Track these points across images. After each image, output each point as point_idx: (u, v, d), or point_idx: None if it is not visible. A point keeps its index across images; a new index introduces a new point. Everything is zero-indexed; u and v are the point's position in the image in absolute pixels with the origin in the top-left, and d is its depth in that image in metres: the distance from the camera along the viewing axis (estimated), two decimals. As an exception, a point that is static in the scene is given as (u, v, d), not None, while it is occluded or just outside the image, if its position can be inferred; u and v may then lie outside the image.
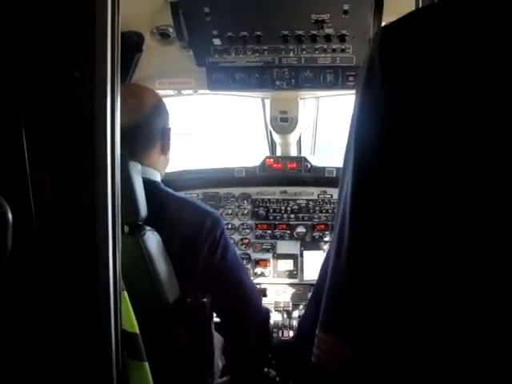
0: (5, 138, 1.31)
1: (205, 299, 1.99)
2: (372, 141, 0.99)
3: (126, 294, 1.53)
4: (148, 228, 1.92)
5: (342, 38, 2.47)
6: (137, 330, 1.55)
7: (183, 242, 2.05)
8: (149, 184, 2.04)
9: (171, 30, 2.53)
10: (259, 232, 3.61)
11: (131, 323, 1.54)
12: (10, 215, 1.22)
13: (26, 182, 1.32)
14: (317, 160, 3.69)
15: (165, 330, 1.97)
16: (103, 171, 1.37)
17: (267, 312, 2.54)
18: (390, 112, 0.96)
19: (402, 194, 0.96)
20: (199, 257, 2.06)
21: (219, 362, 2.56)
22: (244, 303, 2.23)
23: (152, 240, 1.92)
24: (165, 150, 2.20)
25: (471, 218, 0.92)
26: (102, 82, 1.37)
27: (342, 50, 2.61)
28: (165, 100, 3.26)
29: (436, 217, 0.94)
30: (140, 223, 1.91)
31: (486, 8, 0.94)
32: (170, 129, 2.22)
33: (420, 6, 1.35)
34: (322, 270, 1.99)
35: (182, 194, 2.38)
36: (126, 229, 1.87)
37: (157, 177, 2.17)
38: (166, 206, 2.10)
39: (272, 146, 3.95)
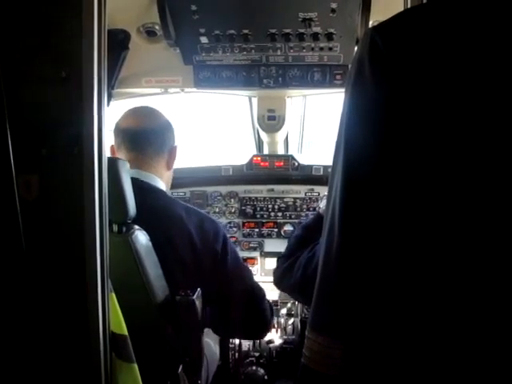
0: (-11, 138, 1.29)
1: (194, 297, 1.98)
2: (362, 141, 0.99)
3: (114, 295, 1.51)
4: (136, 227, 1.91)
5: (329, 37, 2.45)
6: (125, 332, 1.54)
7: (186, 245, 2.15)
8: (155, 191, 2.24)
9: (158, 27, 2.50)
10: (246, 230, 3.61)
11: (120, 325, 1.52)
12: (-5, 216, 1.21)
13: (11, 182, 1.30)
14: (303, 156, 3.70)
15: (154, 329, 1.96)
16: (90, 171, 1.36)
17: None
18: (380, 112, 0.96)
19: (392, 194, 0.96)
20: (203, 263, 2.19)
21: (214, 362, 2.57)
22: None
23: (141, 239, 1.91)
24: (170, 165, 2.39)
25: (462, 218, 0.92)
26: (88, 81, 1.36)
27: (330, 49, 2.61)
28: (151, 98, 3.27)
29: (427, 216, 0.94)
30: (129, 222, 1.90)
31: (474, 9, 0.94)
32: (176, 147, 2.41)
33: (408, 6, 1.35)
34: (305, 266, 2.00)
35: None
36: (115, 227, 1.86)
37: (163, 187, 2.34)
38: (172, 212, 2.21)
39: (259, 144, 3.94)
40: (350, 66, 2.71)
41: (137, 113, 2.37)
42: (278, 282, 2.18)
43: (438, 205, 0.93)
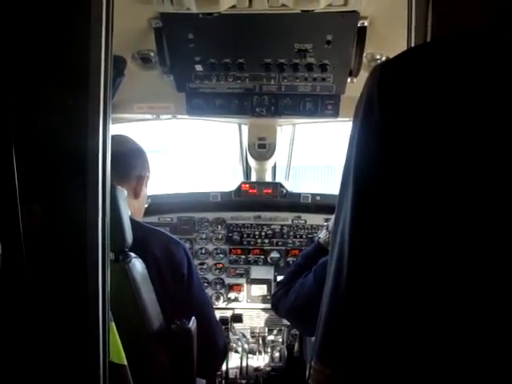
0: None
1: (190, 325, 1.97)
2: (373, 172, 1.01)
3: (113, 324, 1.50)
4: (133, 255, 1.90)
5: (323, 68, 2.49)
6: (124, 362, 1.53)
7: (158, 271, 2.11)
8: None
9: (153, 54, 2.51)
10: (233, 257, 3.60)
11: (119, 354, 1.51)
12: (-2, 245, 1.20)
13: (15, 211, 1.29)
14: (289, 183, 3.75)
15: (149, 357, 1.94)
16: (95, 199, 1.36)
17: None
18: (390, 143, 0.99)
19: (405, 222, 0.97)
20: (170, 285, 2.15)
21: None
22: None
23: (138, 267, 1.90)
24: (137, 194, 2.32)
25: (471, 246, 0.93)
26: (94, 109, 1.36)
27: (323, 79, 2.64)
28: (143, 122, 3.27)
29: (440, 244, 0.95)
30: (126, 250, 1.89)
31: (478, 49, 0.97)
32: (146, 177, 2.36)
33: (412, 42, 1.38)
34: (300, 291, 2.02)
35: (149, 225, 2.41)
36: (112, 255, 1.84)
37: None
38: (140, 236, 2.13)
39: (247, 170, 3.96)
40: (341, 96, 2.76)
41: None
42: (275, 306, 2.21)
43: (450, 232, 0.95)
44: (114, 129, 3.30)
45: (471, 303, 0.94)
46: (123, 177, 2.26)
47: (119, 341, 1.52)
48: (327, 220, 3.47)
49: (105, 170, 1.38)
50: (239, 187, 3.58)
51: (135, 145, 2.38)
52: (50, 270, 1.34)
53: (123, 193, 1.89)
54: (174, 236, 2.38)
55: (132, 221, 2.18)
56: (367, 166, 1.02)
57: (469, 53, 0.97)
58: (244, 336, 3.44)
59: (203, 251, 3.59)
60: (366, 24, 2.21)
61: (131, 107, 2.98)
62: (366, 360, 1.00)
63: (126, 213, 1.87)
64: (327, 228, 2.14)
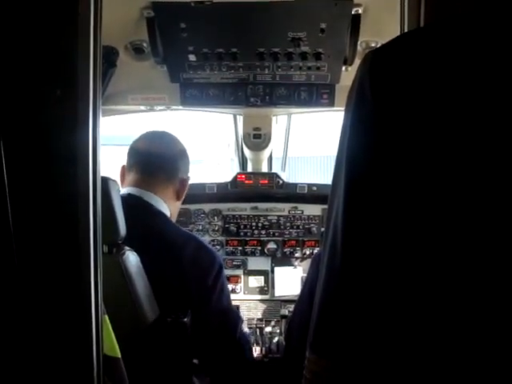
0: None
1: (185, 319, 1.96)
2: (364, 160, 1.00)
3: (107, 317, 1.49)
4: (127, 248, 1.89)
5: (317, 56, 2.47)
6: (118, 355, 1.51)
7: (180, 273, 2.15)
8: (156, 213, 2.25)
9: (146, 45, 2.49)
10: (230, 248, 3.59)
11: (113, 347, 1.50)
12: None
13: (5, 204, 1.28)
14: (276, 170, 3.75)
15: (143, 351, 1.93)
16: (85, 191, 1.34)
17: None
18: (382, 130, 0.98)
19: (398, 211, 0.97)
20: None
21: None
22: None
23: (131, 260, 1.89)
24: (179, 195, 2.42)
25: (461, 236, 0.93)
26: (84, 99, 1.34)
27: (317, 68, 2.63)
28: (137, 114, 3.26)
29: (433, 234, 0.94)
30: (119, 242, 1.87)
31: (469, 34, 0.96)
32: (188, 179, 2.46)
33: (405, 28, 1.36)
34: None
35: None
36: (105, 248, 1.83)
37: (167, 211, 2.33)
38: (171, 237, 2.23)
39: (243, 161, 3.94)
40: (336, 85, 2.74)
41: (154, 137, 2.43)
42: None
43: (444, 222, 0.94)
44: (107, 121, 3.30)
45: (464, 293, 0.94)
46: (169, 179, 2.37)
47: (113, 334, 1.51)
48: (324, 210, 3.47)
49: (95, 162, 1.36)
50: (235, 178, 3.56)
51: (181, 145, 2.46)
52: (41, 263, 1.33)
53: (115, 185, 1.87)
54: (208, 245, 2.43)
55: (170, 224, 2.32)
56: (359, 154, 1.01)
57: (461, 38, 0.96)
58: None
59: (200, 243, 3.57)
60: (360, 11, 2.19)
61: (125, 99, 2.97)
62: (358, 350, 1.00)
63: (118, 205, 1.85)
64: None
